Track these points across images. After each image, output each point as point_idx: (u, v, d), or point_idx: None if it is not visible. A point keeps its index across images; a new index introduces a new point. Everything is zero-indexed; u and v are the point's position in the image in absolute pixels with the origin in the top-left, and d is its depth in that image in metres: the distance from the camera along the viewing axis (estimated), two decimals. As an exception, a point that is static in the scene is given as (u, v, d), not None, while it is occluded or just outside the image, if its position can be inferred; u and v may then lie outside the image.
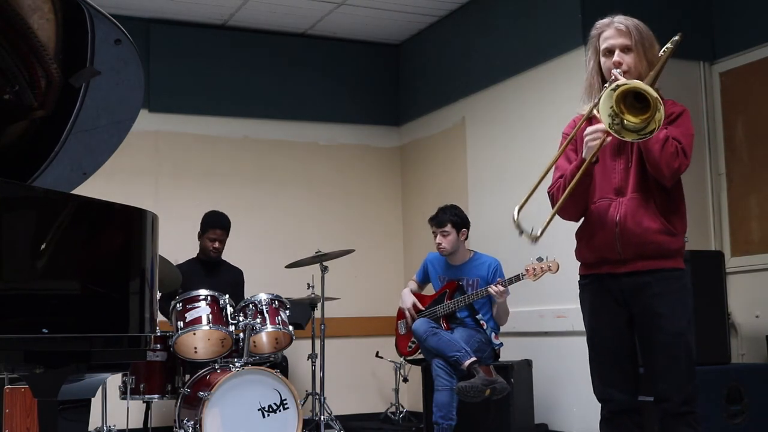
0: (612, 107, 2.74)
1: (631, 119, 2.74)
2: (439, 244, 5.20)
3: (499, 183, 5.96)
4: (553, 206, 3.12)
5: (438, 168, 6.69)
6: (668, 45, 2.95)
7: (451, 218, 5.18)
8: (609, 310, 3.03)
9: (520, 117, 5.77)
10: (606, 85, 2.87)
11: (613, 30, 3.00)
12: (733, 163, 5.44)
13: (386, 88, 7.19)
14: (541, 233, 2.96)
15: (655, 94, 2.69)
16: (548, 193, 3.12)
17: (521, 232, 2.93)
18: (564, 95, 5.24)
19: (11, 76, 2.61)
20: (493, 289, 4.90)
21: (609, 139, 2.89)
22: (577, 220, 3.15)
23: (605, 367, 3.05)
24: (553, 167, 3.10)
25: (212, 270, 5.73)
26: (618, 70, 2.92)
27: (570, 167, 3.02)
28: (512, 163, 5.82)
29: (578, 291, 3.17)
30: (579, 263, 3.17)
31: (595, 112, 2.90)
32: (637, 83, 2.75)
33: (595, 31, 3.07)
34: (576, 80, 5.13)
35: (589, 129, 2.92)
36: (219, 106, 6.61)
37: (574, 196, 3.00)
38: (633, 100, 2.75)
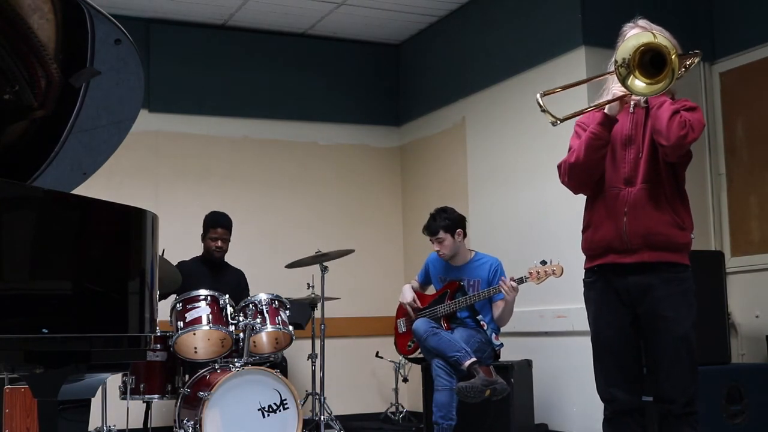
0: (630, 54, 2.76)
1: (639, 77, 2.78)
2: (438, 251, 5.19)
3: (499, 183, 5.96)
4: (561, 178, 3.13)
5: (438, 168, 6.69)
6: (689, 52, 2.98)
7: (442, 224, 5.10)
8: (614, 310, 3.03)
9: (520, 117, 5.77)
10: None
11: (637, 29, 3.07)
12: (733, 163, 5.44)
13: (386, 88, 7.18)
14: (563, 120, 2.94)
15: (675, 56, 2.72)
16: (557, 166, 3.13)
17: (543, 110, 2.91)
18: (564, 95, 5.22)
19: (11, 76, 2.61)
20: (505, 284, 4.87)
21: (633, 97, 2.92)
22: (582, 191, 3.14)
23: (609, 367, 3.06)
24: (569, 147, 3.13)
25: (216, 270, 5.73)
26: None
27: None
28: (512, 163, 5.82)
29: (581, 290, 3.16)
30: (583, 261, 3.16)
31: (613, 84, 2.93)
32: (663, 43, 2.76)
33: (621, 35, 3.12)
34: (576, 80, 5.15)
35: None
36: (219, 106, 6.61)
37: (587, 156, 3.00)
38: (649, 63, 2.78)
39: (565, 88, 3.04)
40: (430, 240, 5.19)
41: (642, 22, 3.08)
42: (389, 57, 7.20)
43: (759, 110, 5.28)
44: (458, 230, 5.15)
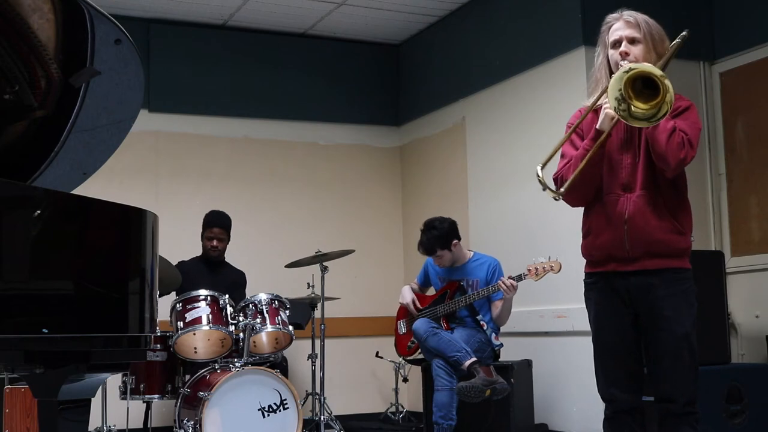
0: (620, 90, 2.73)
1: (639, 105, 2.73)
2: (438, 264, 5.23)
3: (499, 183, 5.96)
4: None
5: (438, 168, 6.69)
6: (677, 40, 2.95)
7: (438, 243, 5.09)
8: (615, 310, 3.02)
9: (520, 117, 5.77)
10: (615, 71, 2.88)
11: (621, 22, 3.02)
12: (733, 163, 5.44)
13: (386, 88, 7.18)
14: (565, 190, 2.93)
15: (662, 74, 2.68)
16: (554, 178, 3.10)
17: (545, 188, 2.89)
18: (564, 95, 5.24)
19: (11, 76, 2.61)
20: (504, 283, 4.87)
21: None
22: (582, 205, 3.12)
23: (610, 367, 3.05)
24: (559, 155, 3.09)
25: (214, 270, 5.73)
26: (625, 61, 2.93)
27: (582, 144, 3.01)
28: (512, 163, 5.82)
29: (582, 290, 3.15)
30: (583, 262, 3.15)
31: (603, 98, 2.91)
32: (646, 67, 2.73)
33: (605, 25, 3.08)
34: (576, 80, 5.17)
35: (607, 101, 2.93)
36: (219, 106, 6.61)
37: (584, 175, 2.98)
38: (642, 87, 2.74)
39: (565, 141, 3.01)
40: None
41: (627, 14, 3.04)
42: (389, 57, 7.20)
43: (759, 110, 5.28)
44: (453, 241, 5.15)
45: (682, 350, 2.94)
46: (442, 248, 5.11)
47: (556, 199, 2.95)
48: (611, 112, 2.87)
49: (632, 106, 2.73)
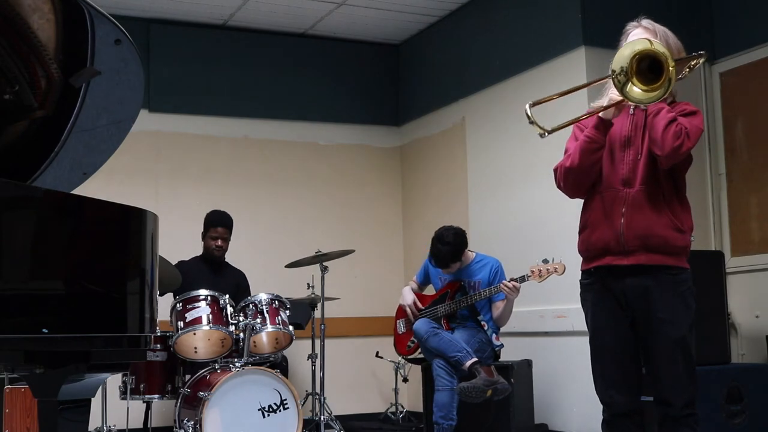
0: (627, 62, 2.75)
1: (637, 85, 2.75)
2: (447, 272, 5.19)
3: (499, 183, 5.96)
4: (556, 182, 3.11)
5: (438, 168, 6.69)
6: (692, 54, 2.96)
7: (450, 257, 5.04)
8: (612, 312, 3.02)
9: (520, 117, 5.70)
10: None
11: (640, 29, 3.06)
12: (733, 163, 5.44)
13: (386, 88, 7.18)
14: (552, 131, 2.92)
15: (670, 59, 2.69)
16: (554, 169, 3.11)
17: (531, 122, 2.88)
18: (563, 99, 5.23)
19: (11, 76, 2.61)
20: (507, 285, 4.86)
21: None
22: (579, 195, 3.12)
23: (608, 369, 3.04)
24: (564, 150, 3.10)
25: (216, 270, 5.73)
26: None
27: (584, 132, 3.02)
28: (512, 163, 5.82)
29: (579, 290, 3.15)
30: (579, 261, 3.15)
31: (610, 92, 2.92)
32: (657, 48, 2.75)
33: (624, 34, 3.11)
34: (576, 80, 5.14)
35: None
36: (219, 106, 6.61)
37: (582, 160, 2.98)
38: (647, 69, 2.76)
39: (560, 95, 3.01)
40: None
41: (645, 21, 3.06)
42: (389, 57, 7.20)
43: (759, 110, 5.28)
44: (465, 251, 5.14)
45: (677, 353, 2.93)
46: (454, 261, 5.10)
47: (542, 136, 2.92)
48: (615, 96, 2.88)
49: (630, 82, 2.75)
